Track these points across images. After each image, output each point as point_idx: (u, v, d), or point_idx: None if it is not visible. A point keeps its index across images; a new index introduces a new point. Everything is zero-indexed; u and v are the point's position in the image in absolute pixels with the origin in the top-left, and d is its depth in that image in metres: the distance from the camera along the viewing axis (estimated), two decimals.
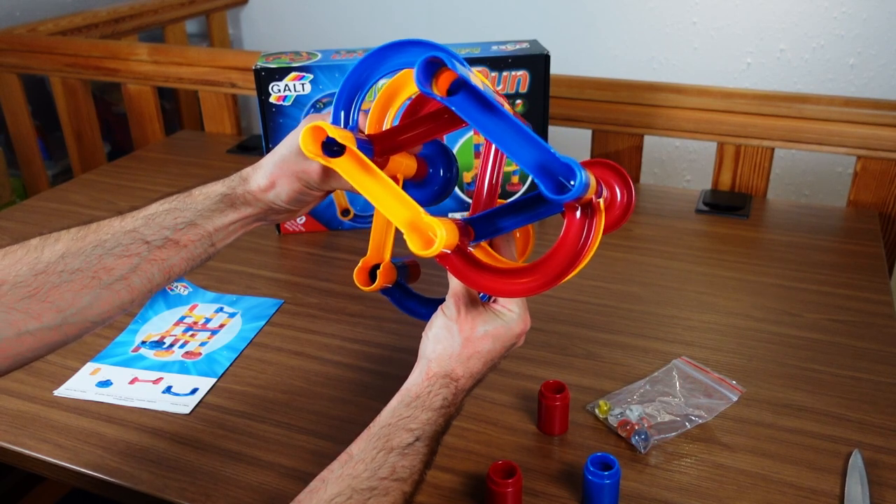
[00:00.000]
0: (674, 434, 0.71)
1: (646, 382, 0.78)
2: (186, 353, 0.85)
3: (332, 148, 0.59)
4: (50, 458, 0.71)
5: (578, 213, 0.53)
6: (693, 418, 0.72)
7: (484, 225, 0.59)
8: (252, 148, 1.44)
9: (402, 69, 0.61)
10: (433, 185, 0.68)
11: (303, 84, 1.03)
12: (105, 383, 0.81)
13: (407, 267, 0.73)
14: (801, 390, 0.78)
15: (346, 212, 1.12)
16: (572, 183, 0.47)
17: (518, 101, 1.04)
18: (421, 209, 0.53)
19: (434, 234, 0.51)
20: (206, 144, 1.51)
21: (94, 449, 0.72)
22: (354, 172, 0.58)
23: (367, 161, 0.57)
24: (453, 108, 0.50)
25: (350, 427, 0.74)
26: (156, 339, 0.88)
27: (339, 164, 0.58)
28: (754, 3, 1.74)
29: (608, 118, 1.25)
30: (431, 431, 0.58)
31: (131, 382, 0.81)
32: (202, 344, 0.87)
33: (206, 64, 1.47)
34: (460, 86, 0.50)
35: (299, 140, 0.60)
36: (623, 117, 1.24)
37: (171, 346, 0.87)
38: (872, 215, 1.15)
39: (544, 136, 1.10)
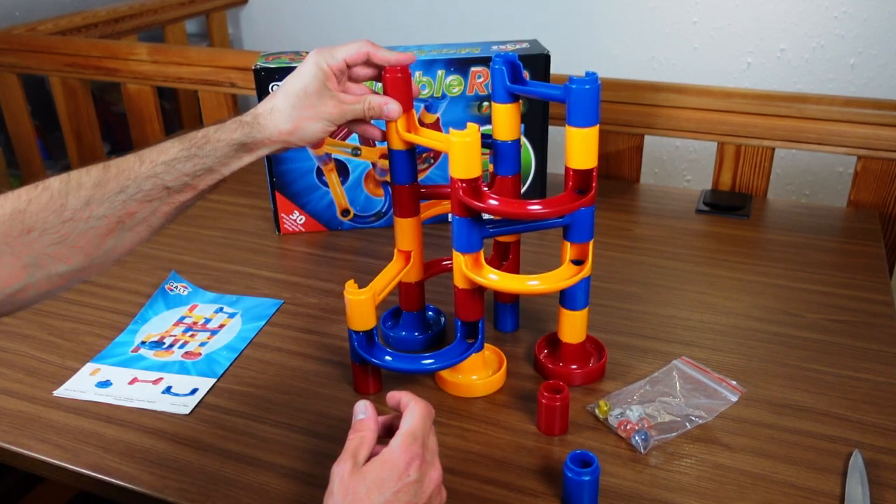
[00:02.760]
0: (674, 434, 0.71)
1: (646, 382, 0.78)
2: (186, 353, 0.85)
3: None
4: (50, 458, 0.71)
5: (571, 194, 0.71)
6: (693, 418, 0.72)
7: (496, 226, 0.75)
8: None
9: None
10: None
11: None
12: (105, 384, 0.80)
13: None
14: (801, 390, 0.78)
15: (345, 212, 1.12)
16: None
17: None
18: None
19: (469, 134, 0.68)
20: None
21: (94, 449, 0.72)
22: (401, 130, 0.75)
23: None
24: (526, 91, 0.72)
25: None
26: (155, 339, 0.88)
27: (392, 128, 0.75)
28: (754, 3, 1.74)
29: (608, 118, 1.24)
30: None
31: (131, 383, 0.81)
32: (202, 344, 0.87)
33: (205, 64, 1.47)
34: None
35: (313, 76, 0.69)
36: (623, 117, 1.24)
37: (171, 346, 0.87)
38: (873, 215, 1.15)
39: (544, 136, 1.10)
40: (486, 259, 0.74)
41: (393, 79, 0.73)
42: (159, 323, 0.91)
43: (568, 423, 0.73)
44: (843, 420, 0.73)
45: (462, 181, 0.68)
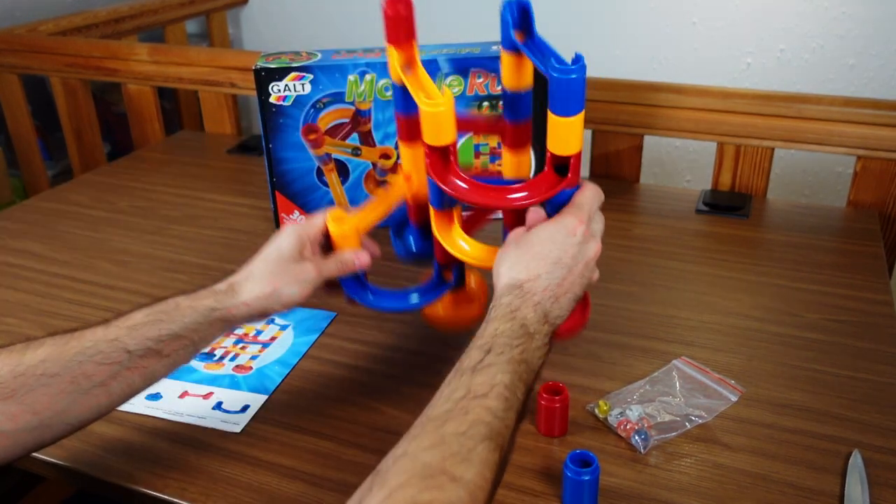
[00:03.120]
0: (674, 434, 0.71)
1: (646, 382, 0.78)
2: (237, 366, 0.83)
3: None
4: (50, 458, 0.71)
5: (550, 176, 0.64)
6: (693, 418, 0.72)
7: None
8: (252, 148, 1.44)
9: None
10: None
11: (303, 84, 1.03)
12: (155, 396, 0.79)
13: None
14: (801, 390, 0.78)
15: None
16: None
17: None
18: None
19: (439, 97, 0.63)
20: (206, 144, 1.51)
21: (94, 449, 0.72)
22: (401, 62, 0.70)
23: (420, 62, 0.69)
24: (526, 51, 0.63)
25: (350, 427, 0.74)
26: (206, 350, 0.84)
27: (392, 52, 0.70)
28: (754, 3, 1.74)
29: (608, 118, 1.25)
30: (504, 340, 0.54)
31: (181, 396, 0.79)
32: (253, 357, 0.85)
33: (206, 64, 1.47)
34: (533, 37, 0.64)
35: (290, 243, 0.70)
36: (623, 117, 1.24)
37: (222, 358, 0.85)
38: (872, 215, 1.15)
39: (544, 136, 1.10)
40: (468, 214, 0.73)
41: (395, 14, 0.70)
42: None
43: (567, 425, 0.73)
44: (843, 420, 0.74)
45: (431, 148, 0.64)
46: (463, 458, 0.46)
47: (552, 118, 0.61)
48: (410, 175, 0.78)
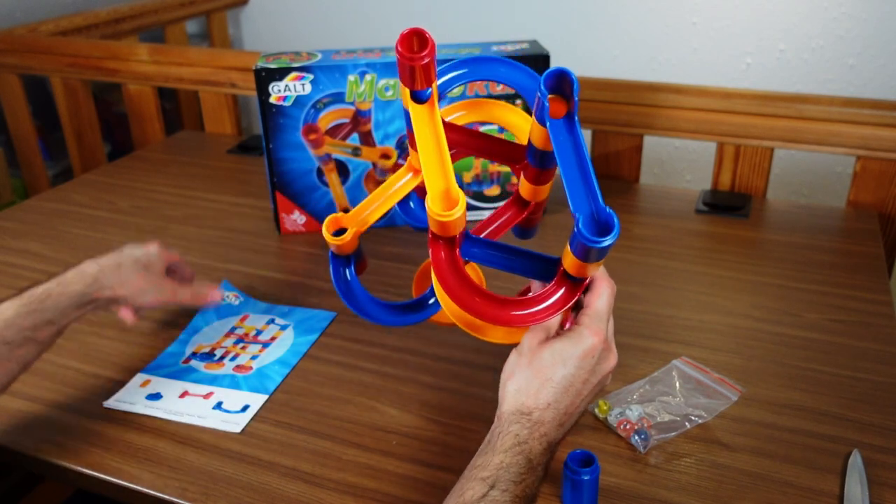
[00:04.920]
0: (673, 434, 0.71)
1: (646, 382, 0.78)
2: (237, 366, 0.83)
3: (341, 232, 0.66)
4: (50, 458, 0.71)
5: (564, 290, 0.57)
6: (693, 418, 0.72)
7: (480, 247, 0.61)
8: (252, 148, 1.44)
9: (500, 81, 0.64)
10: None
11: (303, 84, 1.03)
12: (155, 396, 0.79)
13: (361, 253, 0.72)
14: (801, 390, 0.78)
15: (346, 211, 1.12)
16: (609, 233, 0.50)
17: (518, 102, 1.04)
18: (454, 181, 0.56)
19: (457, 203, 0.54)
20: (207, 144, 1.51)
21: (95, 448, 0.72)
22: (424, 120, 0.59)
23: (440, 121, 0.59)
24: (552, 131, 0.55)
25: (350, 427, 0.74)
26: (206, 350, 0.86)
27: (416, 110, 0.59)
28: (754, 3, 1.74)
29: (608, 118, 1.25)
30: (509, 476, 0.52)
31: (181, 396, 0.79)
32: (253, 357, 0.84)
33: (206, 64, 1.47)
34: (570, 116, 0.55)
35: (157, 258, 0.81)
36: (623, 117, 1.24)
37: (222, 358, 0.85)
38: (872, 215, 1.15)
39: None
40: (487, 223, 0.68)
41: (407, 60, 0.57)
42: (210, 333, 0.89)
43: None
44: (843, 420, 0.74)
45: (433, 235, 0.58)
46: None
47: (571, 258, 0.54)
48: (419, 170, 0.72)
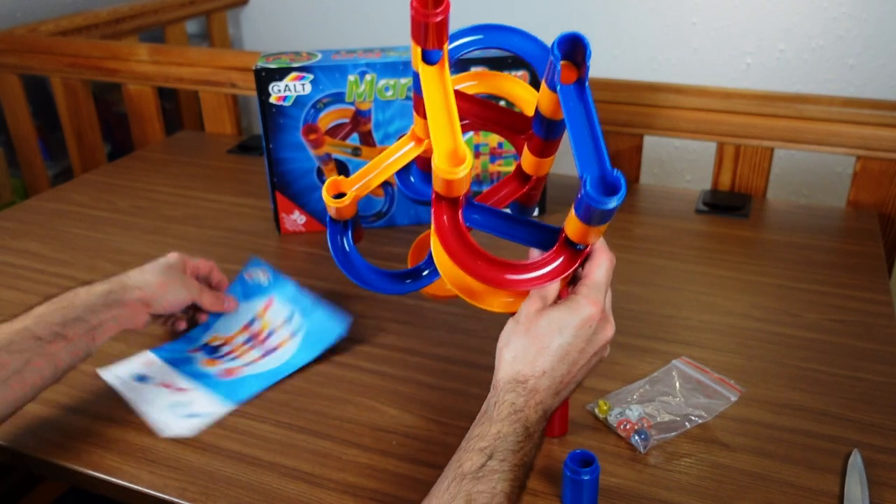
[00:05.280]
0: (673, 434, 0.71)
1: (646, 382, 0.78)
2: (226, 371, 0.82)
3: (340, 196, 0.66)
4: (50, 458, 0.71)
5: (564, 257, 0.58)
6: (693, 418, 0.72)
7: (482, 214, 0.60)
8: (252, 148, 1.44)
9: (506, 48, 0.64)
10: None
11: (303, 84, 1.03)
12: (143, 378, 0.79)
13: (358, 221, 0.72)
14: (801, 390, 0.78)
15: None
16: (617, 193, 0.50)
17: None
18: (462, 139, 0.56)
19: (464, 161, 0.54)
20: (207, 144, 1.51)
21: (95, 448, 0.72)
22: (434, 81, 0.59)
23: (450, 82, 0.59)
24: (562, 96, 0.54)
25: (350, 427, 0.74)
26: (218, 343, 0.86)
27: (427, 71, 0.59)
28: (754, 3, 1.74)
29: (608, 118, 1.25)
30: (507, 445, 0.53)
31: (165, 385, 0.79)
32: (246, 364, 0.83)
33: (206, 64, 1.47)
34: (581, 83, 0.55)
35: (178, 260, 0.83)
36: (623, 117, 1.24)
37: (224, 356, 0.84)
38: (872, 215, 1.15)
39: None
40: (490, 192, 0.69)
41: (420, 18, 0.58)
42: (231, 322, 0.88)
43: (567, 425, 0.73)
44: (843, 420, 0.74)
45: (437, 195, 0.58)
46: None
47: (575, 222, 0.54)
48: (423, 139, 0.71)
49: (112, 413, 0.77)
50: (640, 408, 0.73)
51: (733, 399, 0.74)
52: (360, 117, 1.05)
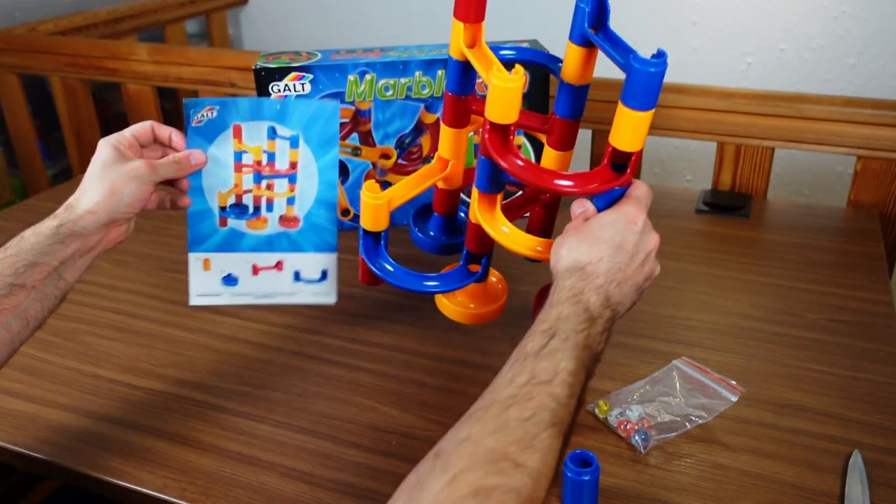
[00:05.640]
0: (674, 434, 0.71)
1: (646, 382, 0.78)
2: (282, 218, 0.74)
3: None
4: (50, 458, 0.71)
5: (608, 172, 0.63)
6: (693, 418, 0.72)
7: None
8: None
9: None
10: None
11: (303, 84, 1.03)
12: (230, 280, 0.72)
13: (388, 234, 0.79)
14: (801, 390, 0.78)
15: (346, 212, 1.12)
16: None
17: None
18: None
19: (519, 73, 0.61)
20: None
21: (94, 449, 0.72)
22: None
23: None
24: (601, 43, 0.63)
25: (350, 427, 0.74)
26: (232, 200, 0.76)
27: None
28: (754, 2, 1.74)
29: (608, 118, 1.23)
30: (569, 325, 0.53)
31: (255, 273, 0.72)
32: (290, 202, 0.75)
33: (206, 64, 1.47)
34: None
35: (106, 151, 0.70)
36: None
37: (258, 210, 0.75)
38: (872, 215, 1.15)
39: None
40: (515, 198, 0.74)
41: None
42: (215, 170, 0.77)
43: None
44: (843, 420, 0.74)
45: (491, 124, 0.63)
46: (527, 445, 0.46)
47: (623, 111, 0.60)
48: (449, 162, 0.78)
49: (112, 413, 0.77)
50: (641, 408, 0.73)
51: (734, 399, 0.74)
52: (359, 117, 1.05)
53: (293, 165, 0.78)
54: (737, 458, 0.69)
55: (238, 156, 0.78)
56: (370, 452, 0.71)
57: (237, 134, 0.78)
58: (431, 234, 0.84)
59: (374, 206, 0.73)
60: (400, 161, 1.07)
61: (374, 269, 0.75)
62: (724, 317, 0.90)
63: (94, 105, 1.66)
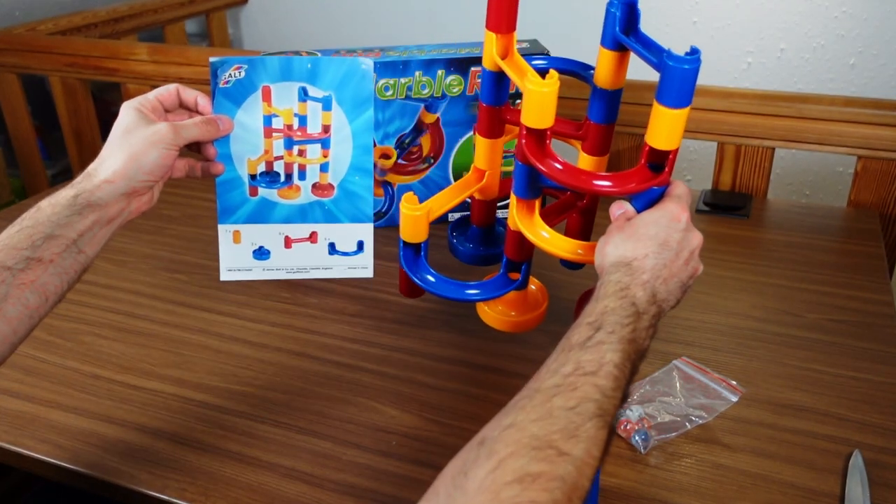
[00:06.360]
0: (674, 434, 0.71)
1: (646, 382, 0.78)
2: (315, 187, 0.71)
3: None
4: (50, 458, 0.71)
5: (646, 172, 0.64)
6: (693, 418, 0.72)
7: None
8: None
9: None
10: None
11: None
12: (262, 254, 0.69)
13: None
14: (802, 390, 0.78)
15: None
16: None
17: (519, 101, 1.03)
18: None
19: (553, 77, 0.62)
20: None
21: (94, 449, 0.72)
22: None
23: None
24: (634, 45, 0.64)
25: (350, 427, 0.74)
26: (262, 168, 0.73)
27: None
28: (754, 3, 1.74)
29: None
30: (615, 318, 0.53)
31: (287, 246, 0.69)
32: (323, 169, 0.72)
33: (206, 64, 1.46)
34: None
35: (129, 115, 0.67)
36: (623, 117, 1.22)
37: (289, 178, 0.72)
38: (873, 215, 1.15)
39: None
40: (553, 204, 0.74)
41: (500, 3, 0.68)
42: (247, 138, 0.74)
43: None
44: (843, 420, 0.73)
45: (528, 129, 0.64)
46: (571, 434, 0.45)
47: (659, 110, 0.60)
48: (485, 172, 0.79)
49: (112, 413, 0.77)
50: (641, 408, 0.73)
51: (734, 399, 0.74)
52: None
53: (326, 129, 0.74)
54: (737, 459, 0.69)
55: (268, 120, 0.75)
56: (370, 452, 0.71)
57: (266, 96, 0.74)
58: (469, 245, 0.85)
59: (414, 218, 0.73)
60: (400, 161, 1.06)
61: (416, 280, 0.75)
62: (725, 317, 0.90)
63: (93, 105, 1.66)
